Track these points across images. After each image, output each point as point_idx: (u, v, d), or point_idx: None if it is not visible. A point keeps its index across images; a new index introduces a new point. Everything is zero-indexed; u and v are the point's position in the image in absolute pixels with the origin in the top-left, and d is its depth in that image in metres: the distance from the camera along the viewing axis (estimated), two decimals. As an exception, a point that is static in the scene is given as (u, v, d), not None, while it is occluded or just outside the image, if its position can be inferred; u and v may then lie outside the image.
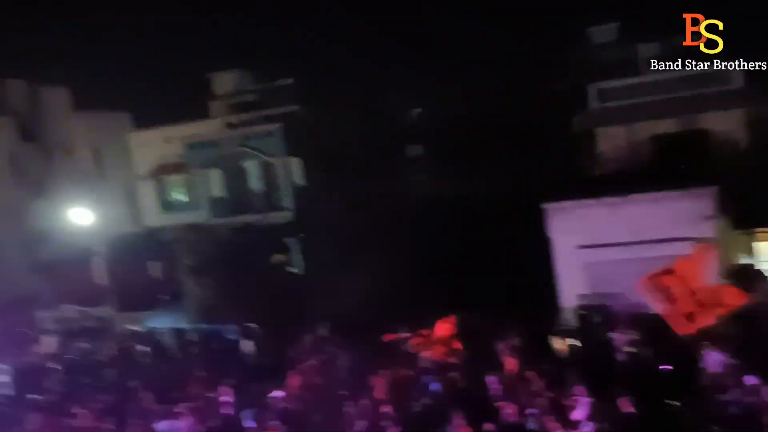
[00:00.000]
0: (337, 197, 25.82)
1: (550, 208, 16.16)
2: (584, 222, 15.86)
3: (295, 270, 24.26)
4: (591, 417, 10.50)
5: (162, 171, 29.43)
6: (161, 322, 21.49)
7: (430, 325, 15.31)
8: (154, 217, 29.24)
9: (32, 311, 24.61)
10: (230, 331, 19.57)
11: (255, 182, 26.85)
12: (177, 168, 28.31)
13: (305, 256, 24.37)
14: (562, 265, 16.01)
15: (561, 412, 10.88)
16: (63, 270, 25.79)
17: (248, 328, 19.26)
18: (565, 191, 16.73)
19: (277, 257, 23.84)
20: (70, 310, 23.39)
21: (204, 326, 20.01)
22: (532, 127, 21.53)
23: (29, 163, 29.42)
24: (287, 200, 25.19)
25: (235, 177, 26.90)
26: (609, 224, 15.59)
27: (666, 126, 19.00)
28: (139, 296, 23.50)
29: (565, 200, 16.27)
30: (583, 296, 15.36)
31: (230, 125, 27.51)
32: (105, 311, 22.22)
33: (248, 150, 25.21)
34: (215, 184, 26.54)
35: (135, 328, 21.55)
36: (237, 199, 26.55)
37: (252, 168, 26.67)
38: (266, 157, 25.26)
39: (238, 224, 21.91)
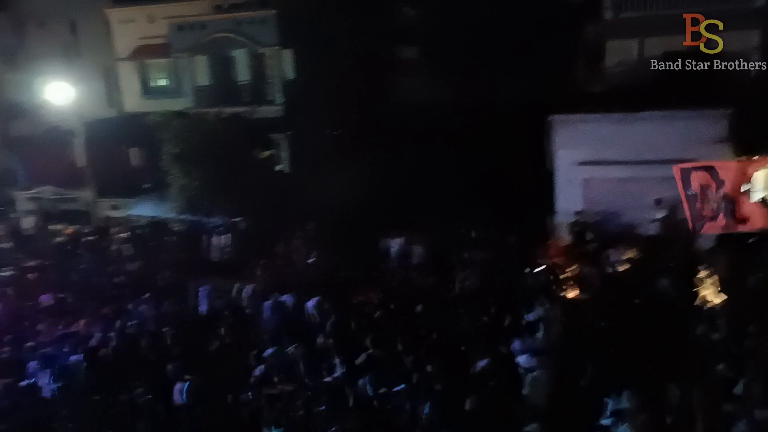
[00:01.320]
0: (328, 94, 24.84)
1: (554, 120, 15.57)
2: (588, 137, 15.38)
3: (282, 167, 23.66)
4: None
5: (144, 53, 27.88)
6: (141, 209, 20.96)
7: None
8: (134, 102, 27.97)
9: (6, 189, 23.88)
10: (212, 223, 19.18)
11: (243, 72, 25.63)
12: (160, 51, 26.80)
13: (293, 153, 23.70)
14: (561, 180, 15.65)
15: None
16: (38, 148, 24.81)
17: (230, 222, 18.91)
18: (570, 104, 16.11)
19: (264, 153, 23.15)
20: (46, 191, 22.65)
21: (185, 217, 19.55)
22: (540, 33, 20.52)
23: (1, 33, 27.61)
24: (277, 94, 24.12)
25: (223, 65, 25.58)
26: (613, 141, 15.13)
27: (680, 43, 18.19)
28: (119, 182, 22.83)
29: (569, 113, 15.67)
30: (579, 213, 15.08)
31: (219, 8, 25.81)
32: (83, 195, 21.54)
33: (238, 37, 23.79)
34: (201, 71, 25.25)
35: (114, 214, 21.04)
36: (223, 88, 25.37)
37: (241, 57, 25.33)
38: (257, 46, 23.91)
39: (224, 115, 20.93)
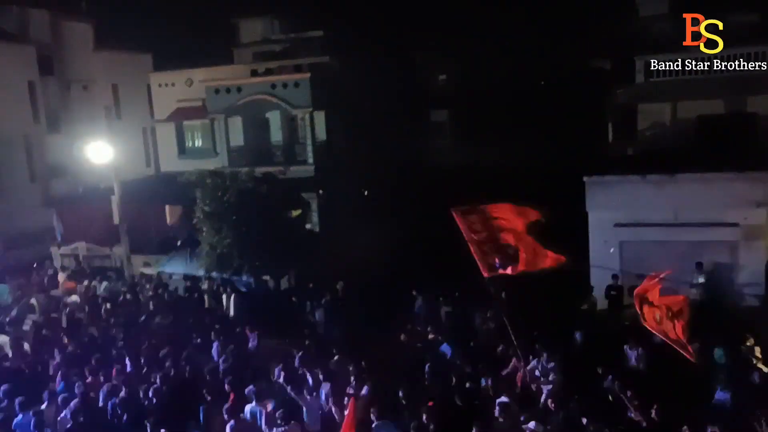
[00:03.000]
0: (359, 155, 25.15)
1: (589, 181, 15.39)
2: (624, 199, 15.12)
3: (312, 226, 23.72)
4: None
5: (181, 115, 28.77)
6: (172, 267, 21.03)
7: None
8: (170, 161, 28.68)
9: (45, 246, 24.31)
10: (242, 281, 19.11)
11: (276, 133, 26.17)
12: (197, 112, 27.64)
13: (323, 212, 23.81)
14: (596, 242, 15.32)
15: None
16: (76, 207, 25.36)
17: (260, 280, 18.84)
18: (605, 166, 15.96)
19: (295, 212, 23.27)
20: (80, 248, 23.00)
21: (216, 275, 19.52)
22: (573, 97, 20.70)
23: (47, 96, 28.80)
24: (309, 154, 24.49)
25: (257, 126, 26.19)
26: (650, 203, 14.85)
27: (712, 106, 18.12)
28: (153, 239, 23.09)
29: (604, 174, 15.49)
30: (615, 276, 14.67)
31: (255, 72, 26.66)
32: (118, 252, 21.78)
33: (272, 99, 24.39)
34: (235, 131, 25.85)
35: (147, 271, 21.15)
36: (257, 148, 25.90)
37: (275, 118, 25.92)
38: (290, 108, 24.46)
39: (257, 174, 21.21)
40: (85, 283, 19.73)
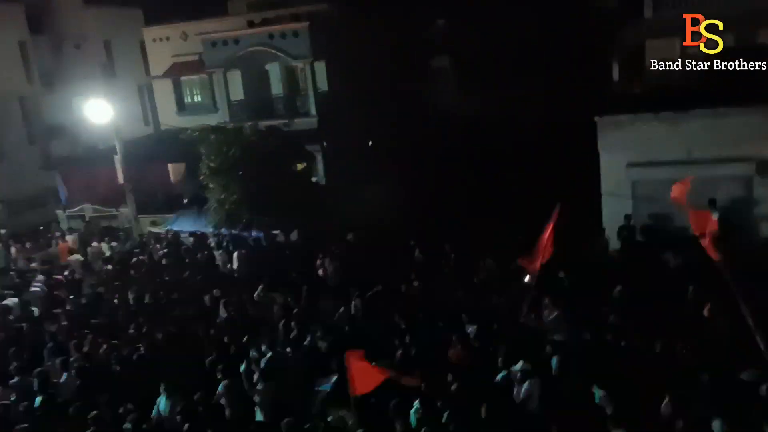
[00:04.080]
0: (362, 105, 24.74)
1: (600, 121, 15.14)
2: (636, 138, 14.90)
3: (317, 178, 23.57)
4: None
5: (178, 70, 28.21)
6: (180, 224, 21.02)
7: None
8: (169, 118, 28.27)
9: (49, 209, 24.25)
10: (251, 236, 19.09)
11: (277, 85, 25.71)
12: (194, 67, 27.10)
13: (328, 164, 23.61)
14: (608, 183, 15.18)
15: None
16: (78, 168, 25.15)
17: (269, 235, 18.81)
18: (615, 105, 15.67)
19: (300, 165, 23.10)
20: (88, 210, 22.91)
21: (224, 231, 19.51)
22: (580, 37, 20.20)
23: (40, 56, 28.21)
24: (311, 106, 24.11)
25: (257, 79, 25.69)
26: (662, 141, 14.64)
27: (724, 39, 17.63)
28: (158, 198, 22.99)
29: (615, 114, 15.23)
30: (628, 216, 14.61)
31: (252, 23, 25.98)
32: (124, 212, 21.70)
33: (271, 50, 23.86)
34: (235, 85, 25.38)
35: (154, 230, 21.13)
36: (258, 102, 25.48)
37: (274, 70, 25.41)
38: (290, 59, 23.95)
39: (260, 128, 20.93)
40: (94, 244, 19.74)
